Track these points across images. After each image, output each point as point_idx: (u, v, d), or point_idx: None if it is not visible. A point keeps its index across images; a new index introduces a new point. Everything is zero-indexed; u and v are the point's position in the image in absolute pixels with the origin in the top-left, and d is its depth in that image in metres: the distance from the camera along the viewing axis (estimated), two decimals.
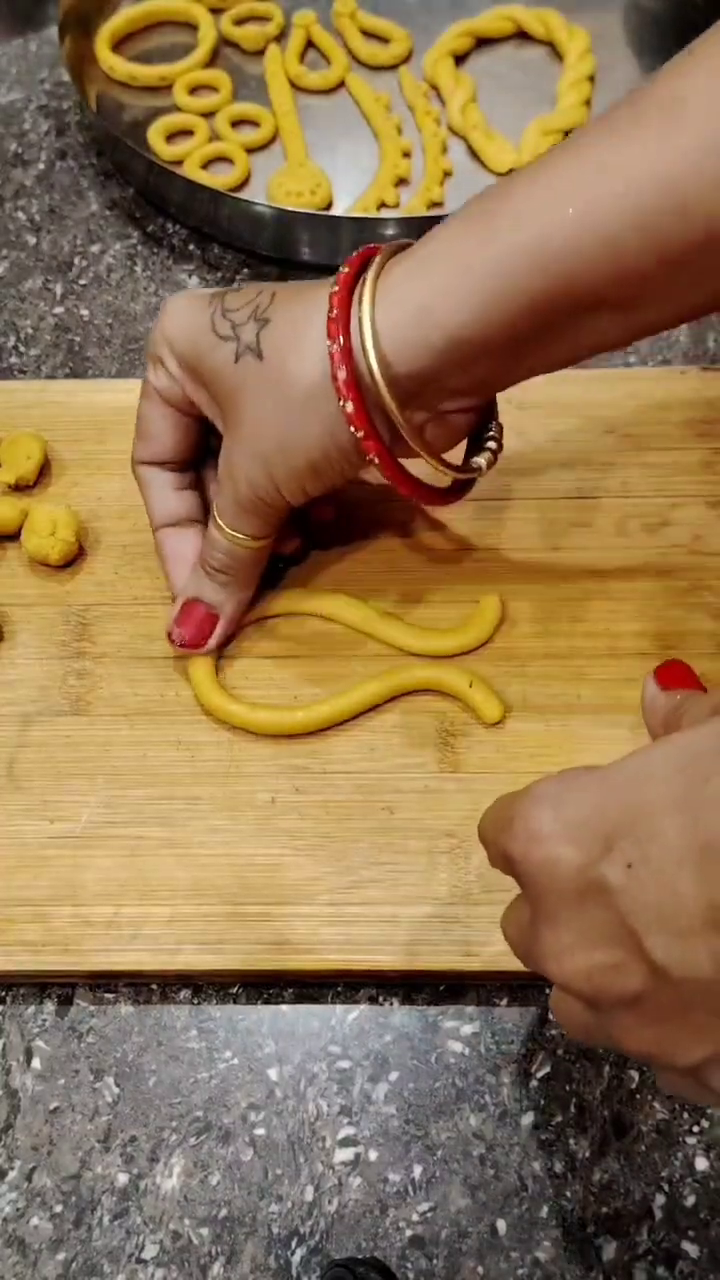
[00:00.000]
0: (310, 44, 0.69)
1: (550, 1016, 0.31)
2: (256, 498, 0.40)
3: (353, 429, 0.37)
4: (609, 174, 0.33)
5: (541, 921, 0.28)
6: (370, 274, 0.36)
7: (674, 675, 0.35)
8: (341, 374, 0.36)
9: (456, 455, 0.42)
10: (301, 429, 0.38)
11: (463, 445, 0.42)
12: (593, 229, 0.33)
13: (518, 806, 0.29)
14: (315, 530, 0.47)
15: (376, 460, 0.38)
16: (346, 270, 0.37)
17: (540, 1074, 0.39)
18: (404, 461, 0.39)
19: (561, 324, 0.36)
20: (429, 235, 0.37)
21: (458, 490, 0.43)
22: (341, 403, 0.36)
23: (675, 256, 0.33)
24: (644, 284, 0.34)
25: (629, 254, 0.33)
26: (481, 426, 0.41)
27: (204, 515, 0.45)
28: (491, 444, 0.41)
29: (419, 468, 0.40)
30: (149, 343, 0.41)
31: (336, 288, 0.37)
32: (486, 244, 0.35)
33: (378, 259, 0.37)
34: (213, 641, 0.44)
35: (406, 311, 0.35)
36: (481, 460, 0.41)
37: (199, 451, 0.44)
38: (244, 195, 0.60)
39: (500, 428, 0.42)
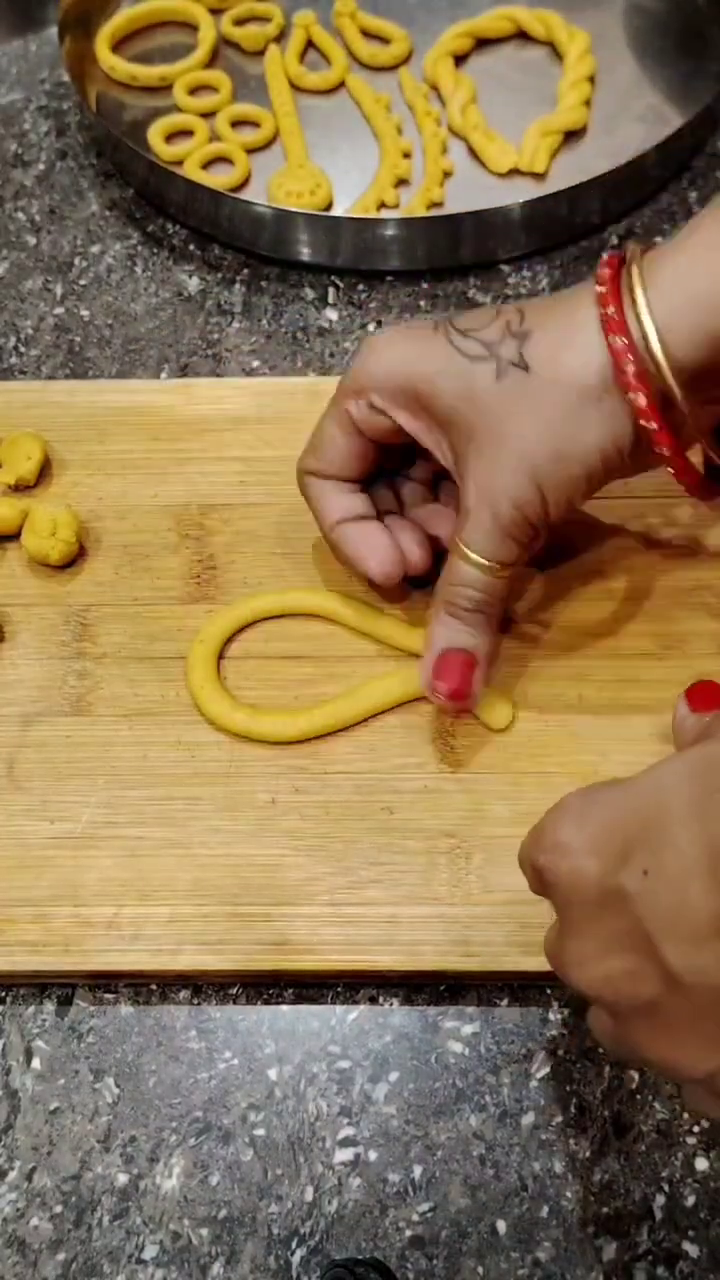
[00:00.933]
0: (310, 44, 0.69)
1: (588, 1026, 0.32)
2: (523, 517, 0.39)
3: (644, 422, 0.37)
4: None
5: (567, 931, 0.29)
6: (635, 269, 0.36)
7: (705, 696, 0.36)
8: (630, 368, 0.36)
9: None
10: (580, 434, 0.37)
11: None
12: None
13: (544, 821, 0.30)
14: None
15: (667, 452, 0.38)
16: (608, 271, 0.37)
17: (540, 1074, 0.39)
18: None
19: None
20: (695, 224, 0.37)
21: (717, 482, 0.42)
22: (631, 396, 0.36)
23: None
24: None
25: None
26: None
27: (373, 513, 0.44)
28: None
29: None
30: (351, 375, 0.41)
31: (604, 288, 0.37)
32: None
33: (635, 255, 0.37)
34: (476, 688, 0.41)
35: (688, 301, 0.36)
36: None
37: (373, 473, 0.44)
38: (244, 196, 0.60)
39: None
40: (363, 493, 0.44)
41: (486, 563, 0.40)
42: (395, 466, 0.45)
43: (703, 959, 0.26)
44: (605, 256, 0.38)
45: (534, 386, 0.38)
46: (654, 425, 0.37)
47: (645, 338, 0.36)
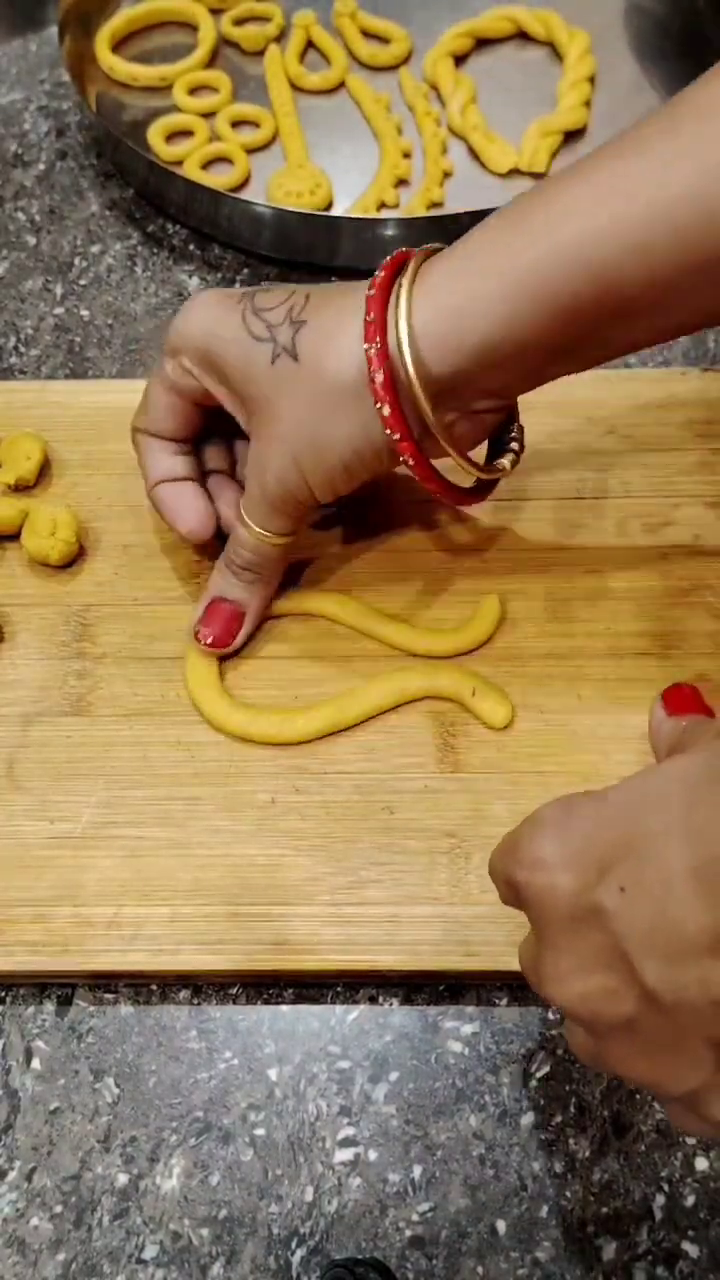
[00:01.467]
0: (310, 44, 0.69)
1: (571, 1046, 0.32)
2: (287, 494, 0.40)
3: (388, 431, 0.37)
4: (642, 183, 0.34)
5: (544, 947, 0.28)
6: (406, 277, 0.37)
7: (682, 700, 0.35)
8: (379, 377, 0.36)
9: (479, 455, 0.42)
10: (335, 429, 0.38)
11: (483, 447, 0.43)
12: (625, 236, 0.34)
13: (520, 834, 0.29)
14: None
15: (410, 461, 0.38)
16: (382, 274, 0.38)
17: (540, 1074, 0.39)
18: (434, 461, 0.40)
19: (593, 327, 0.36)
20: (466, 236, 0.37)
21: (481, 490, 0.44)
22: (378, 406, 0.37)
23: (704, 264, 0.34)
24: (674, 290, 0.35)
25: (659, 261, 0.34)
26: (504, 427, 0.42)
27: (199, 476, 0.45)
28: (514, 444, 0.42)
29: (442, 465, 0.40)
30: (168, 335, 0.42)
31: (372, 291, 0.37)
32: (521, 250, 0.35)
33: (413, 262, 0.37)
34: (239, 639, 0.45)
35: (441, 314, 0.36)
36: (505, 461, 0.42)
37: (198, 433, 0.45)
38: (244, 196, 0.60)
39: (522, 429, 0.43)
40: (189, 454, 0.45)
41: (259, 530, 0.42)
42: (231, 428, 0.44)
43: (682, 977, 0.25)
44: (391, 255, 0.39)
45: (301, 376, 0.38)
46: (396, 435, 0.37)
47: (399, 345, 0.36)
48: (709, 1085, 0.27)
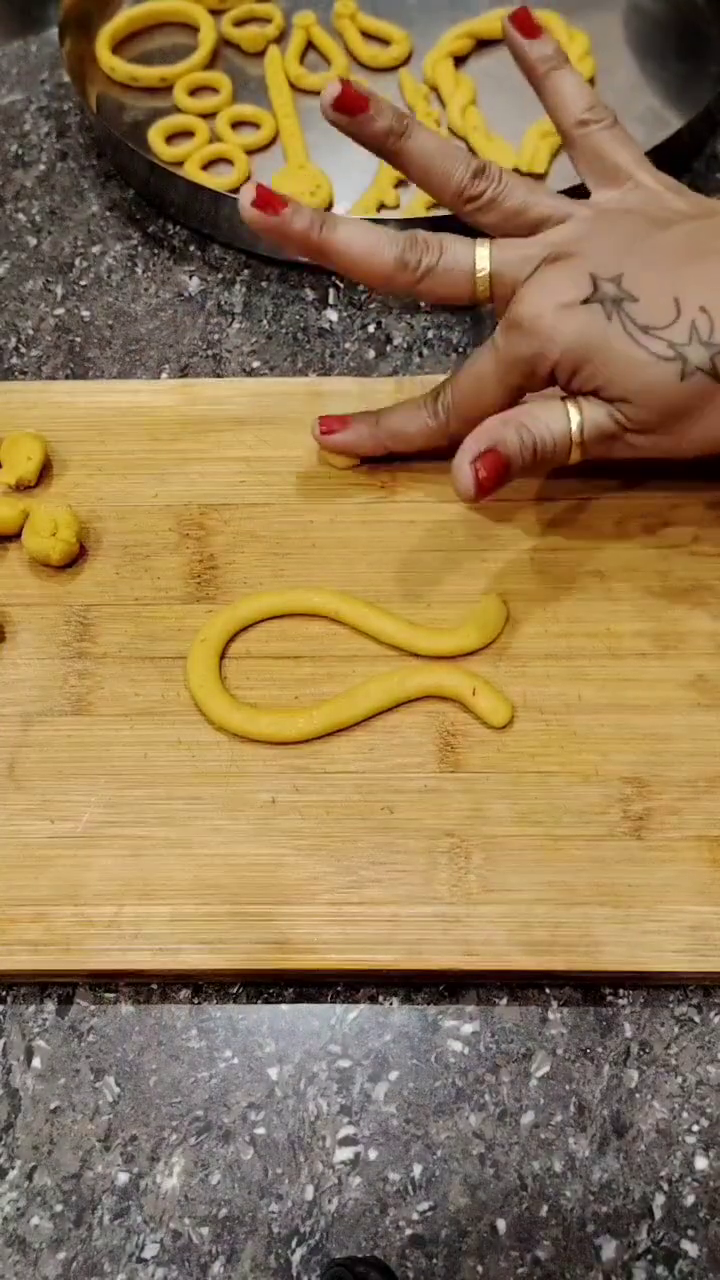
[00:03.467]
0: (310, 45, 0.69)
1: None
2: (637, 453, 0.43)
3: None
4: None
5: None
6: None
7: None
8: None
9: None
10: None
11: None
12: None
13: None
14: None
15: None
16: None
17: (540, 1073, 0.39)
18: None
19: None
20: None
21: None
22: None
23: None
24: None
25: None
26: None
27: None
28: None
29: None
30: (519, 345, 0.42)
31: None
32: None
33: None
34: (494, 490, 0.42)
35: None
36: None
37: None
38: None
39: None
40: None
41: (577, 437, 0.42)
42: None
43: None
44: None
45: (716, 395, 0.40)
46: None
47: None
48: None
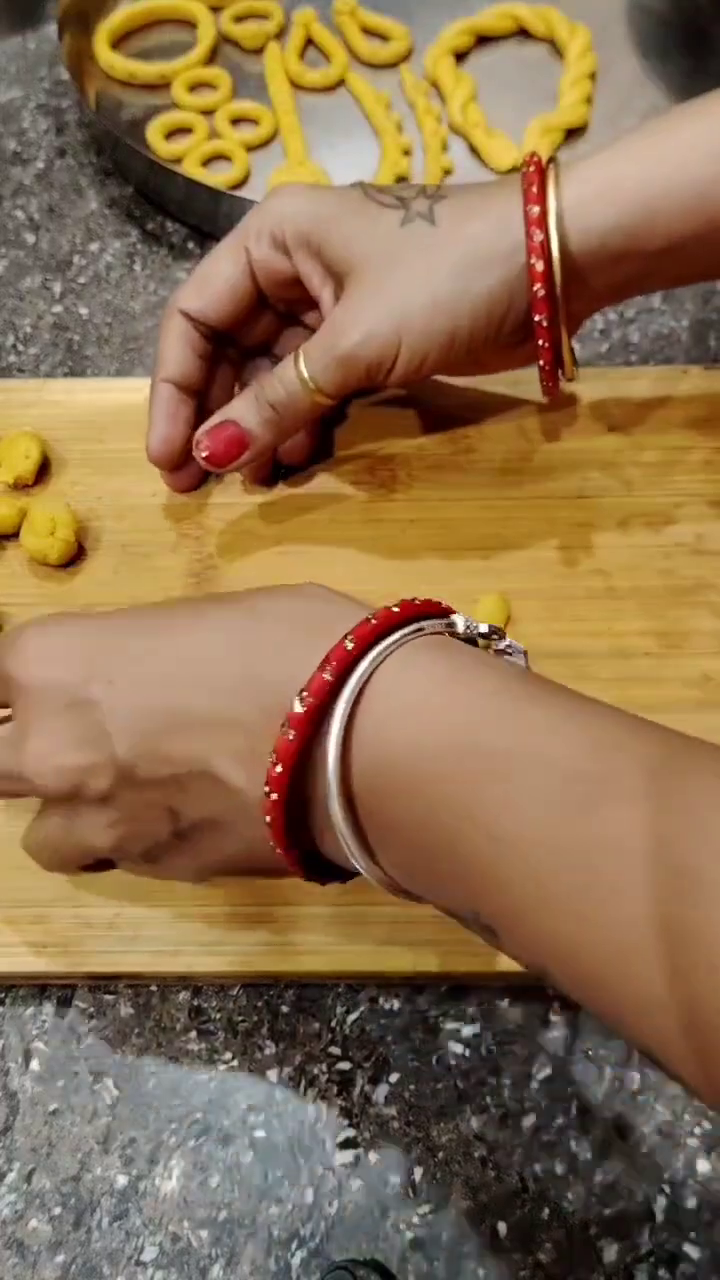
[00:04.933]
0: (310, 42, 0.68)
1: (28, 850, 0.36)
2: (369, 354, 0.41)
3: (535, 286, 0.40)
4: None
5: (32, 733, 0.33)
6: (554, 171, 0.40)
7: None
8: (539, 236, 0.39)
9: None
10: (464, 289, 0.40)
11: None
12: None
13: (23, 634, 0.34)
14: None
15: (545, 322, 0.41)
16: (529, 167, 0.41)
17: (541, 1075, 0.39)
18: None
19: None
20: (609, 144, 0.41)
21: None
22: (533, 260, 0.40)
23: None
24: None
25: None
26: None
27: (205, 390, 0.47)
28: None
29: None
30: (252, 216, 0.43)
31: (531, 168, 0.40)
32: (673, 146, 0.40)
33: (547, 163, 0.41)
34: (231, 467, 0.44)
35: (588, 193, 0.40)
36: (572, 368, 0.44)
37: (241, 327, 0.46)
38: (243, 193, 0.60)
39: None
40: (208, 364, 0.46)
41: (309, 377, 0.42)
42: (250, 343, 0.47)
43: (152, 751, 0.31)
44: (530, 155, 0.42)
45: (434, 238, 0.40)
46: (540, 289, 0.40)
47: (558, 215, 0.39)
48: (163, 844, 0.33)
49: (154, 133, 0.63)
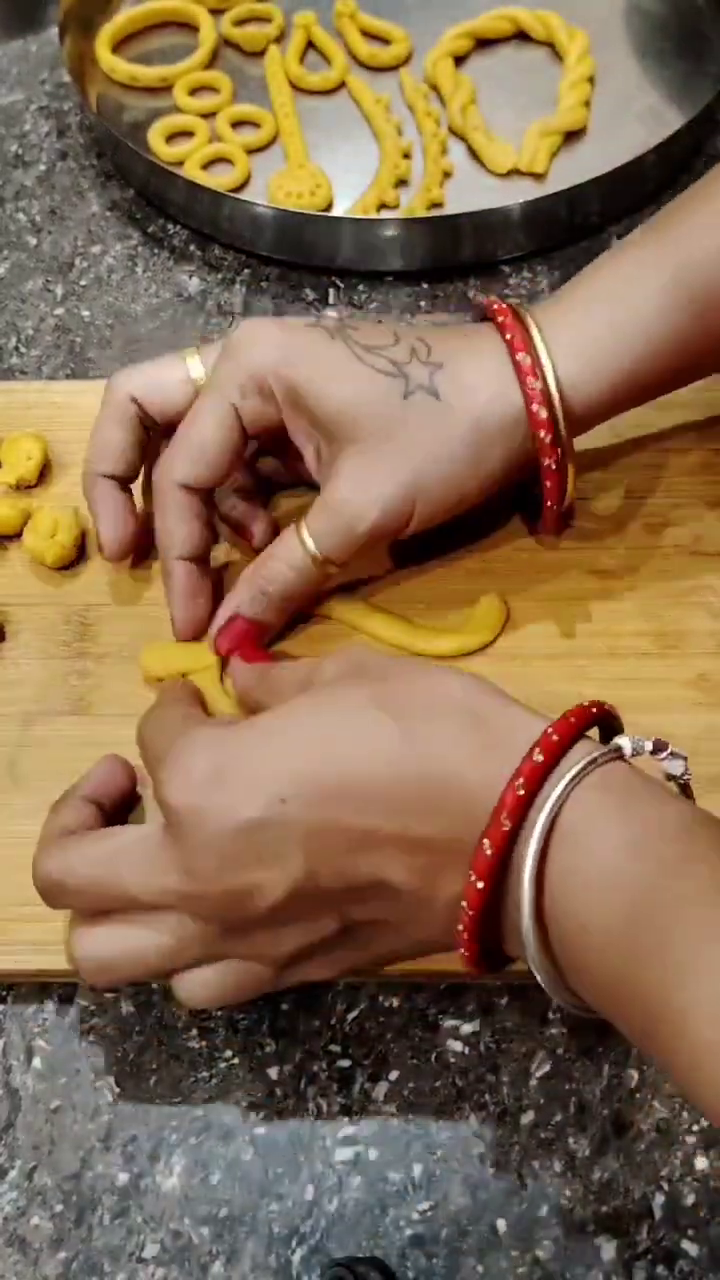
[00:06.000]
0: (310, 45, 0.69)
1: (181, 996, 0.35)
2: (385, 522, 0.41)
3: (545, 460, 0.41)
4: None
5: (195, 856, 0.32)
6: (531, 322, 0.41)
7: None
8: (543, 412, 0.40)
9: None
10: (479, 462, 0.41)
11: None
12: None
13: (176, 760, 0.33)
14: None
15: (549, 484, 0.42)
16: (502, 319, 0.41)
17: (540, 1073, 0.39)
18: None
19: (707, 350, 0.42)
20: (571, 284, 0.42)
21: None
22: (541, 434, 0.40)
23: None
24: None
25: None
26: None
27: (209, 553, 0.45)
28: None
29: None
30: (229, 371, 0.41)
31: (509, 336, 0.40)
32: (646, 277, 0.40)
33: (525, 311, 0.41)
34: (249, 654, 0.43)
35: (574, 356, 0.40)
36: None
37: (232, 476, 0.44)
38: (244, 196, 0.60)
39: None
40: (208, 525, 0.44)
41: (318, 556, 0.42)
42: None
43: (340, 865, 0.32)
44: (485, 300, 0.42)
45: (440, 413, 0.40)
46: (553, 464, 0.41)
47: (554, 384, 0.40)
48: (324, 942, 0.33)
49: (155, 136, 0.63)
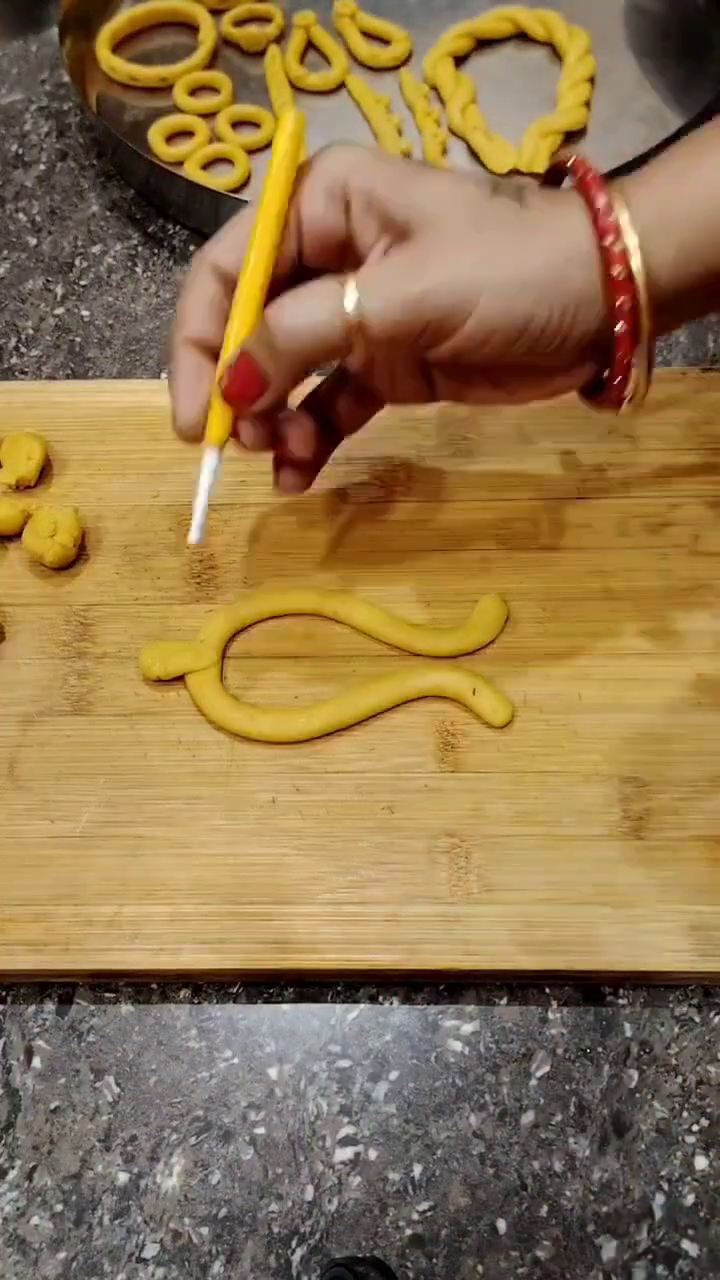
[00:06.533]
0: (310, 45, 0.69)
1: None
2: (437, 302, 0.36)
3: (618, 298, 0.36)
4: None
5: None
6: (617, 191, 0.37)
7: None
8: (619, 270, 0.36)
9: None
10: (558, 280, 0.37)
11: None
12: None
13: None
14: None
15: (624, 327, 0.37)
16: (593, 185, 0.37)
17: (540, 1073, 0.39)
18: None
19: None
20: (658, 161, 0.38)
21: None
22: (615, 270, 0.36)
23: None
24: None
25: None
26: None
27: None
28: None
29: None
30: (307, 174, 0.39)
31: (600, 194, 0.37)
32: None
33: (611, 184, 0.37)
34: (259, 405, 0.39)
35: (658, 224, 0.36)
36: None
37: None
38: (245, 196, 0.60)
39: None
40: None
41: (356, 311, 0.36)
42: None
43: None
44: (573, 163, 0.38)
45: (525, 220, 0.37)
46: (623, 300, 0.36)
47: (634, 251, 0.36)
48: None
49: (155, 136, 0.63)
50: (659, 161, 0.38)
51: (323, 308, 0.36)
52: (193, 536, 0.40)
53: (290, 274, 0.39)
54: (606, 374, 0.39)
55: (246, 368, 0.38)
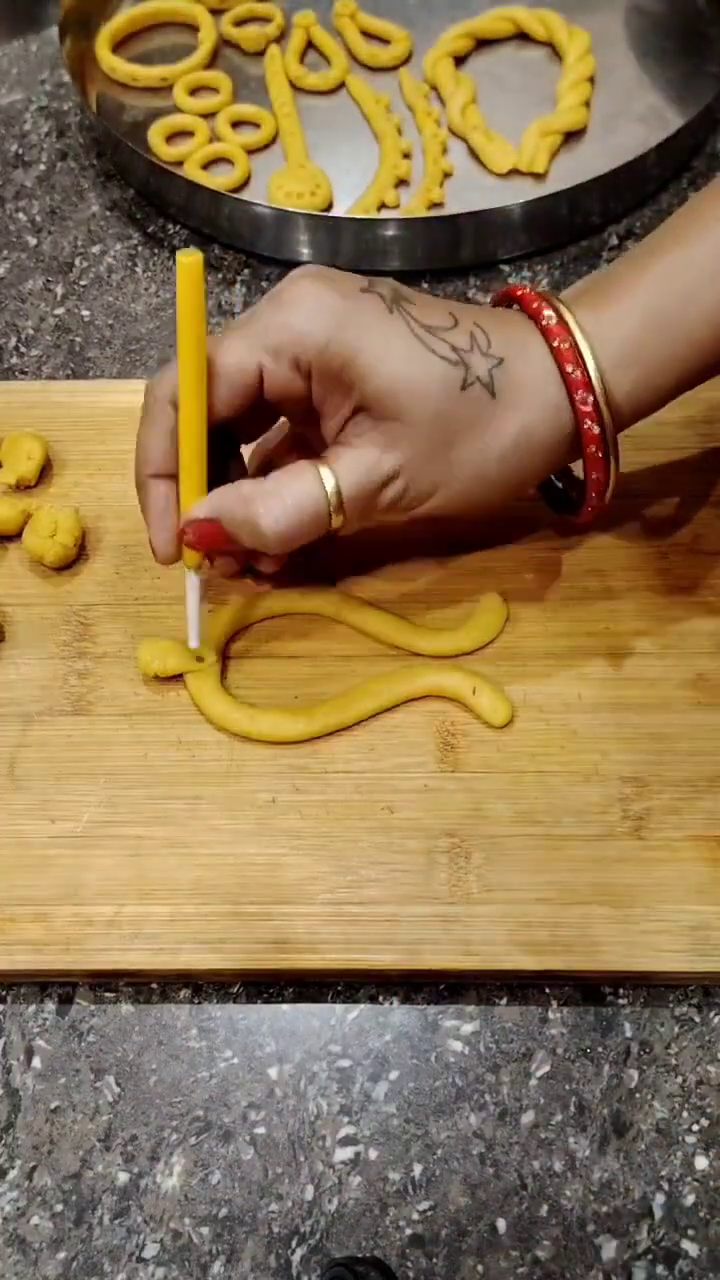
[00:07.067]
0: (310, 45, 0.69)
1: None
2: (404, 501, 0.40)
3: (593, 449, 0.39)
4: None
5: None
6: (569, 316, 0.39)
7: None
8: (596, 429, 0.39)
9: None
10: (512, 474, 0.40)
11: None
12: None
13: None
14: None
15: (597, 478, 0.40)
16: (543, 311, 0.39)
17: (540, 1073, 0.39)
18: None
19: None
20: (605, 272, 0.41)
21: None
22: (589, 425, 0.39)
23: None
24: None
25: None
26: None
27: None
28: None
29: None
30: (267, 328, 0.38)
31: (557, 343, 0.39)
32: (681, 266, 0.39)
33: (559, 301, 0.40)
34: (207, 556, 0.42)
35: (617, 349, 0.39)
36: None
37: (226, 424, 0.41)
38: (244, 196, 0.60)
39: None
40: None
41: (333, 499, 0.39)
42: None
43: None
44: (520, 290, 0.41)
45: (491, 415, 0.39)
46: (600, 453, 0.39)
47: (596, 396, 0.38)
48: None
49: (155, 135, 0.63)
50: (604, 283, 0.40)
51: (307, 501, 0.39)
52: (191, 643, 0.44)
53: (245, 412, 0.41)
54: (574, 493, 0.43)
55: (205, 528, 0.40)
